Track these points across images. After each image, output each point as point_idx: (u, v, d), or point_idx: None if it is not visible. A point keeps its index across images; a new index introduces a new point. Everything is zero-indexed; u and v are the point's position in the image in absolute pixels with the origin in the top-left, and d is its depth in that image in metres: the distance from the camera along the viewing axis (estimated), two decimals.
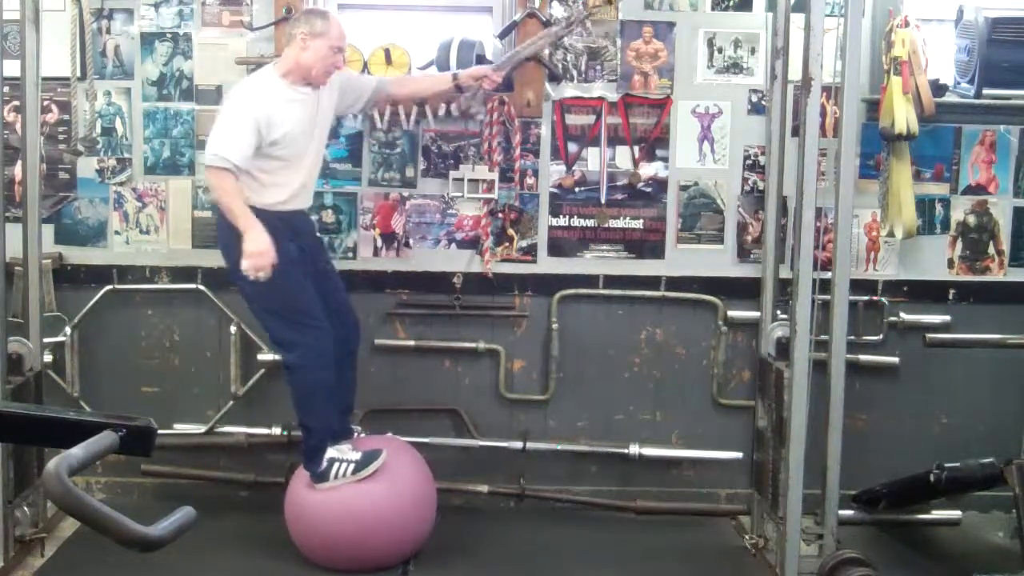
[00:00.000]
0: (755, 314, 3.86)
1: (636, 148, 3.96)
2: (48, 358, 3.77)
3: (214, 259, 3.91)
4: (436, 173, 3.95)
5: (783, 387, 3.39)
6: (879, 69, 3.83)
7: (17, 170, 3.68)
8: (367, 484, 3.36)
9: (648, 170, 3.97)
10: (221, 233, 3.44)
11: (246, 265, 3.13)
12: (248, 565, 3.51)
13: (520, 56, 3.71)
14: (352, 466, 3.35)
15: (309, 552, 3.45)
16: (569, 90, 3.94)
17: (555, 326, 3.99)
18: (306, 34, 3.27)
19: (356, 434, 3.61)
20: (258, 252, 3.13)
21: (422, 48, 3.87)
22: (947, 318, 4.01)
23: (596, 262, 4.00)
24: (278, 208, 3.31)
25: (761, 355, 3.77)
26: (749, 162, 3.96)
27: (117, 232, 3.96)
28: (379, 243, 3.99)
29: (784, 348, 3.55)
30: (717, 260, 4.01)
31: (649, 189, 3.98)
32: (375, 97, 3.63)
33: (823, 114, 3.35)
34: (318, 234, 3.75)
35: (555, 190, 3.98)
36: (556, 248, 4.00)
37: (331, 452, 3.37)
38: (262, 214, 3.22)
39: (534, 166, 3.96)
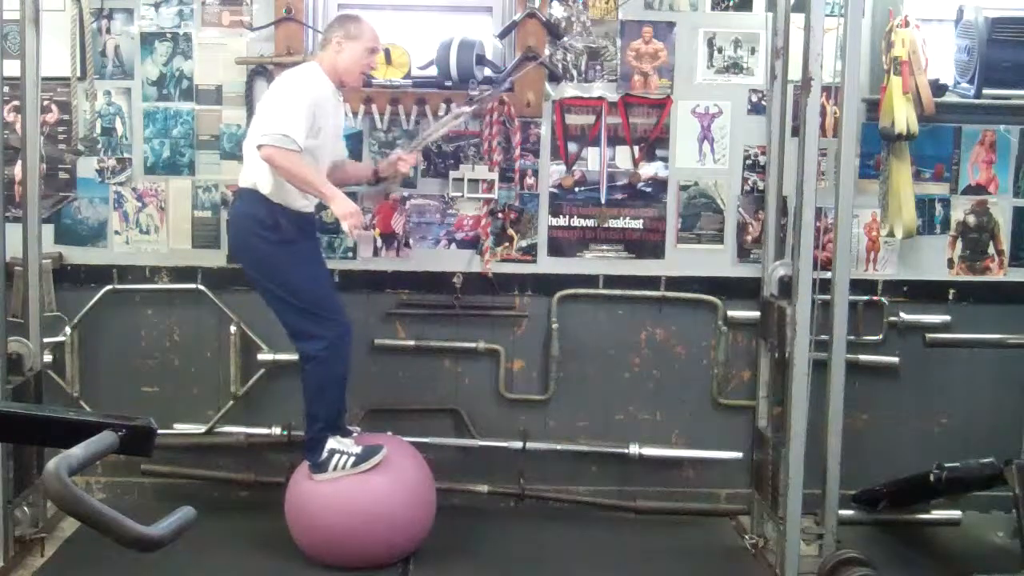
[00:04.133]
0: (755, 314, 3.86)
1: (636, 148, 3.96)
2: (48, 358, 3.77)
3: (214, 259, 3.93)
4: (436, 173, 3.95)
5: (785, 324, 3.37)
6: (879, 69, 3.83)
7: (17, 170, 3.68)
8: (367, 481, 3.36)
9: (648, 170, 3.98)
10: (239, 236, 3.46)
11: (347, 226, 3.24)
12: (248, 565, 3.50)
13: (435, 136, 3.76)
14: (352, 459, 3.37)
15: (309, 549, 3.45)
16: (569, 90, 3.94)
17: (555, 326, 3.99)
18: (341, 38, 3.37)
19: (354, 435, 3.61)
20: (351, 211, 3.24)
21: (422, 48, 3.88)
22: (947, 318, 4.01)
23: (596, 262, 4.00)
24: (303, 210, 3.42)
25: (764, 296, 3.76)
26: (749, 162, 3.96)
27: (117, 232, 3.96)
28: (379, 243, 3.99)
29: (786, 287, 3.53)
30: (717, 260, 4.01)
31: (649, 189, 3.98)
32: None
33: (823, 114, 3.35)
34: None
35: (555, 190, 3.98)
36: (556, 248, 4.00)
37: (332, 444, 3.39)
38: (287, 210, 3.33)
39: (534, 166, 3.96)
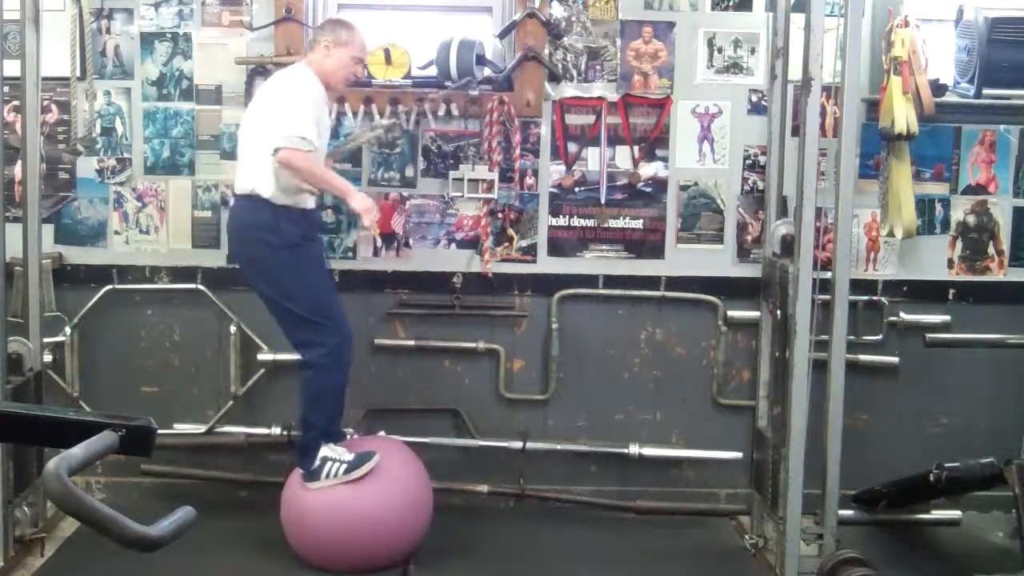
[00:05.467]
0: (755, 314, 3.86)
1: (636, 148, 3.96)
2: (48, 358, 3.77)
3: (214, 259, 3.93)
4: (436, 173, 3.95)
5: (787, 283, 3.35)
6: (879, 69, 3.83)
7: (17, 170, 3.68)
8: (361, 487, 3.34)
9: (648, 170, 3.98)
10: (241, 244, 3.46)
11: (368, 221, 3.35)
12: (248, 565, 3.50)
13: (354, 144, 3.79)
14: (344, 466, 3.34)
15: (305, 555, 3.44)
16: (569, 90, 3.94)
17: (555, 326, 3.99)
18: (330, 42, 3.40)
19: (348, 436, 3.61)
20: (369, 207, 3.37)
21: (422, 48, 3.88)
22: (947, 318, 4.01)
23: (596, 262, 4.00)
24: (306, 207, 3.43)
25: (766, 256, 3.74)
26: (749, 162, 3.96)
27: (117, 232, 3.96)
28: (379, 243, 3.99)
29: (788, 246, 3.49)
30: (717, 260, 4.01)
31: (649, 189, 3.98)
32: None
33: (823, 114, 3.35)
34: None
35: (555, 190, 3.98)
36: (556, 248, 4.00)
37: (324, 451, 3.37)
38: (290, 212, 3.33)
39: (534, 166, 3.96)
